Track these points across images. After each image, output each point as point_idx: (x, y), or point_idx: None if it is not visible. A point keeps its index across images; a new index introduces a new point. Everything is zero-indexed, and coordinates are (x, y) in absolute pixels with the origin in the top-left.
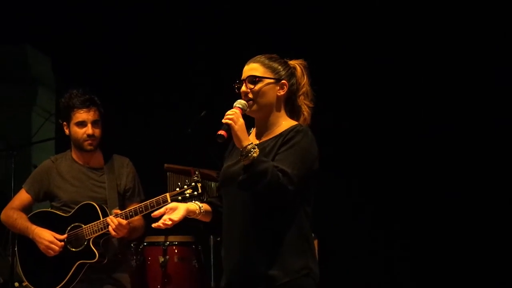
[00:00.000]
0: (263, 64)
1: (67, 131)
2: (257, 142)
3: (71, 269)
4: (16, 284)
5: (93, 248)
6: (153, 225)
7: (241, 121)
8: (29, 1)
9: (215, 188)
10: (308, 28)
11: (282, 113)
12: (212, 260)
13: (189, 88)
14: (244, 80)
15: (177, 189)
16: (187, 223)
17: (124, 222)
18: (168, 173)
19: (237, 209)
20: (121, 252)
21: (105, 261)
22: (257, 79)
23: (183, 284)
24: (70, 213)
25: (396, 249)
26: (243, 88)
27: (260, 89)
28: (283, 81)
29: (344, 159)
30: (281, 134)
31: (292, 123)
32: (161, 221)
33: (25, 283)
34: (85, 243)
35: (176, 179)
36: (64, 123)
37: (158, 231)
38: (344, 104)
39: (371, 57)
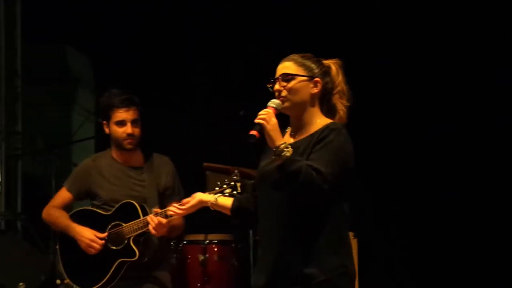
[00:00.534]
0: (296, 62)
1: (107, 130)
2: (292, 141)
3: (112, 267)
4: (58, 281)
5: (134, 246)
6: (168, 212)
7: (273, 120)
8: (68, 1)
9: None
10: (308, 27)
11: (317, 111)
12: (251, 258)
13: (230, 87)
14: (277, 78)
15: (217, 188)
16: (227, 222)
17: (164, 220)
18: (207, 172)
19: (272, 208)
20: (161, 250)
21: (145, 259)
22: (289, 76)
23: (223, 283)
24: (111, 212)
25: (396, 249)
26: (276, 86)
27: (293, 86)
28: (316, 78)
29: None
30: (315, 133)
31: (327, 121)
32: (172, 208)
33: (67, 280)
34: (126, 241)
35: (215, 178)
36: (104, 122)
37: (198, 230)
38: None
39: (372, 57)
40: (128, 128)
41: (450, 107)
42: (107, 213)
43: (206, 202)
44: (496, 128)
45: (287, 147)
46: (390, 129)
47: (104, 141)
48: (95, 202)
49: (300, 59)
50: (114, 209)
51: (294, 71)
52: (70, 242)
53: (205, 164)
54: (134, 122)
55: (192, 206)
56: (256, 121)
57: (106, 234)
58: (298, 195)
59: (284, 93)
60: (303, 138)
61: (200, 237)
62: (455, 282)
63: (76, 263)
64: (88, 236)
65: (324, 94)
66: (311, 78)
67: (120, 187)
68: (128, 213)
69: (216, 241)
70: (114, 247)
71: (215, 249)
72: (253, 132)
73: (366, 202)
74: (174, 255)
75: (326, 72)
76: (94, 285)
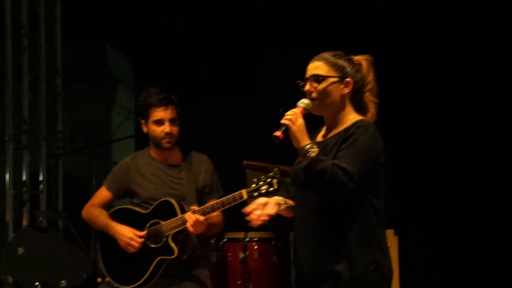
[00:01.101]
0: (327, 62)
1: (145, 129)
2: (322, 139)
3: (151, 265)
4: (99, 279)
5: (172, 244)
6: (252, 224)
7: (299, 121)
8: (108, 0)
9: None
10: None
11: (348, 109)
12: (292, 256)
13: (268, 86)
14: (308, 78)
15: (253, 185)
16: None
17: (202, 218)
18: (247, 170)
19: (304, 207)
20: (200, 248)
21: (184, 257)
22: (320, 78)
23: (263, 280)
24: (149, 210)
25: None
26: (307, 86)
27: (324, 88)
28: (347, 79)
29: None
30: (343, 130)
31: (357, 118)
32: (259, 218)
33: (108, 278)
34: (164, 239)
35: (255, 175)
36: (142, 121)
37: (238, 227)
38: None
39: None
40: (166, 127)
41: (450, 107)
42: (146, 211)
43: (280, 205)
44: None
45: (312, 147)
46: (427, 127)
47: (144, 140)
48: (134, 201)
49: (331, 59)
50: (152, 207)
51: (325, 72)
52: (109, 241)
53: (244, 162)
54: (172, 121)
55: (275, 212)
56: (282, 122)
57: (145, 232)
58: (325, 194)
59: (314, 94)
60: (332, 136)
61: (240, 234)
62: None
63: (116, 261)
64: (127, 235)
65: (355, 92)
66: (342, 78)
67: (158, 186)
68: (166, 211)
69: (256, 239)
70: (153, 245)
71: (255, 247)
72: (277, 133)
73: (409, 199)
74: (214, 253)
75: (357, 70)
76: (134, 283)
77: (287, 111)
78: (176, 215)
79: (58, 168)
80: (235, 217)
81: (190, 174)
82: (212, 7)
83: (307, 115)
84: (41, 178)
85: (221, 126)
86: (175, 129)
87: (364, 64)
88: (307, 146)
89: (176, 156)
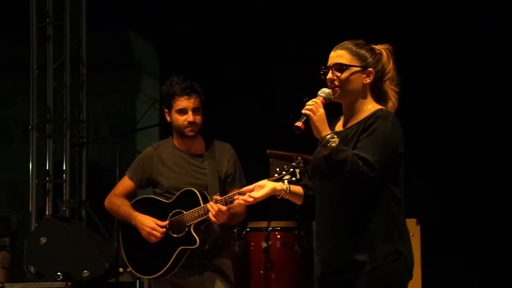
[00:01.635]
0: (350, 51)
1: (168, 118)
2: (342, 129)
3: (173, 255)
4: (121, 269)
5: (194, 234)
6: (235, 201)
7: (320, 111)
8: None
9: None
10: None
11: (369, 99)
12: (314, 245)
13: (294, 74)
14: (331, 66)
15: (276, 175)
16: (289, 209)
17: (224, 208)
18: (270, 159)
19: (325, 198)
20: (223, 238)
21: (206, 247)
22: (344, 67)
23: (286, 270)
24: (172, 200)
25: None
26: (330, 75)
27: (346, 77)
28: (369, 69)
29: None
30: (363, 120)
31: (376, 107)
32: (242, 197)
33: (129, 268)
34: (186, 229)
35: (278, 165)
36: (166, 110)
37: (261, 217)
38: None
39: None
40: (190, 116)
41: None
42: (168, 201)
43: (280, 190)
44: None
45: (333, 138)
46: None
47: (168, 129)
48: (157, 190)
49: (354, 48)
50: (175, 197)
51: (347, 61)
52: (131, 230)
53: (268, 151)
54: (195, 110)
55: (265, 194)
56: (303, 112)
57: (167, 222)
58: (345, 184)
59: (336, 82)
60: (352, 125)
61: (263, 224)
62: None
63: (138, 251)
64: (149, 224)
65: (375, 81)
66: (364, 68)
67: (181, 175)
68: (188, 200)
69: (279, 228)
70: (175, 235)
71: (278, 236)
72: (298, 124)
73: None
74: (237, 243)
75: (378, 59)
76: (155, 273)
77: (311, 99)
78: (199, 205)
79: (81, 157)
80: (258, 206)
81: (213, 163)
82: None
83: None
84: (64, 167)
85: (245, 114)
86: (198, 118)
87: (384, 53)
88: (328, 136)
89: (199, 145)
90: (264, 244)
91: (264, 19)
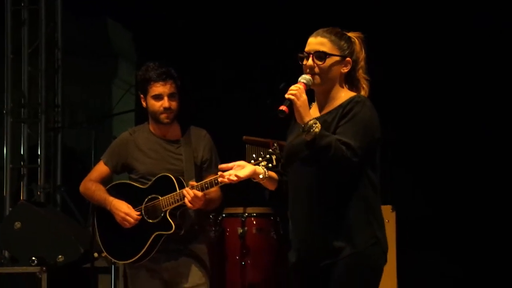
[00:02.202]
0: (331, 40)
1: (144, 104)
2: (318, 115)
3: (148, 241)
4: (96, 254)
5: (170, 219)
6: (219, 179)
7: (304, 97)
8: None
9: None
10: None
11: (343, 86)
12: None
13: (269, 60)
14: (311, 54)
15: (252, 161)
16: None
17: (199, 194)
18: (246, 145)
19: (302, 184)
20: (198, 223)
21: (182, 232)
22: (326, 56)
23: (262, 256)
24: (147, 185)
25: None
26: (310, 62)
27: (327, 65)
28: (347, 58)
29: None
30: (340, 106)
31: (350, 94)
32: (227, 175)
33: (104, 253)
34: (162, 214)
35: (254, 151)
36: (142, 95)
37: (237, 203)
38: None
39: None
40: (165, 102)
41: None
42: (144, 187)
43: (258, 174)
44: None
45: (315, 123)
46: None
47: (144, 114)
48: (132, 176)
49: (333, 37)
50: (150, 182)
51: (329, 50)
52: (106, 216)
53: (244, 137)
54: (171, 96)
55: (249, 174)
56: (287, 96)
57: (142, 207)
58: (328, 169)
59: (316, 70)
60: (329, 112)
61: (239, 210)
62: (498, 259)
63: (113, 236)
64: (124, 210)
65: (350, 70)
66: (343, 58)
67: (157, 161)
68: (164, 186)
69: (255, 214)
70: (150, 220)
71: (254, 222)
72: (283, 108)
73: (406, 175)
74: (213, 228)
75: (354, 49)
76: (131, 258)
77: (288, 86)
78: (175, 190)
79: (57, 142)
80: (234, 192)
81: (189, 149)
82: None
83: None
84: (39, 152)
85: (221, 101)
86: (174, 104)
87: (357, 42)
88: (311, 122)
89: (175, 131)
90: (240, 230)
91: (239, 9)
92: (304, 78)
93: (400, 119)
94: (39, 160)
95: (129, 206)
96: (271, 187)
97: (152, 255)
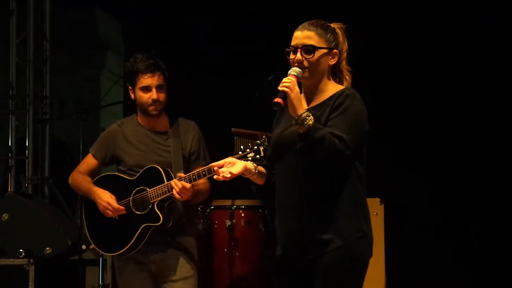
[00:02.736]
0: (317, 33)
1: (132, 95)
2: (306, 107)
3: (136, 232)
4: (83, 246)
5: (158, 211)
6: (215, 177)
7: (297, 89)
8: None
9: None
10: None
11: (329, 79)
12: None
13: (257, 52)
14: (299, 48)
15: (240, 152)
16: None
17: (188, 185)
18: (235, 137)
19: (290, 176)
20: (186, 215)
21: (170, 224)
22: (314, 49)
23: (250, 248)
24: (135, 177)
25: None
26: (298, 56)
27: (316, 59)
28: (334, 50)
29: None
30: (330, 99)
31: (339, 87)
32: (221, 173)
33: (92, 245)
34: (150, 206)
35: (243, 143)
36: (130, 87)
37: (225, 195)
38: None
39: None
40: (153, 94)
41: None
42: (132, 178)
43: (249, 170)
44: None
45: (309, 115)
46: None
47: (132, 106)
48: (121, 168)
49: (320, 30)
50: (138, 174)
51: (316, 43)
52: (94, 207)
53: (233, 129)
54: (159, 88)
55: (241, 171)
56: (281, 88)
57: (130, 199)
58: (320, 162)
59: (305, 63)
60: (318, 105)
61: (227, 202)
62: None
63: (101, 228)
64: (106, 199)
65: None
66: (330, 50)
67: (145, 153)
68: (152, 178)
69: (243, 207)
70: (138, 212)
71: (242, 215)
72: (278, 100)
73: (395, 167)
74: (201, 221)
75: (338, 40)
76: (119, 250)
77: (276, 78)
78: (163, 182)
79: (45, 134)
80: (222, 184)
81: (177, 141)
82: None
83: None
84: (27, 143)
85: (210, 92)
86: (162, 96)
87: (340, 33)
88: (304, 114)
89: (163, 123)
90: (228, 223)
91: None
92: (294, 70)
93: (399, 117)
94: (27, 151)
95: (112, 196)
96: (260, 181)
97: (140, 248)
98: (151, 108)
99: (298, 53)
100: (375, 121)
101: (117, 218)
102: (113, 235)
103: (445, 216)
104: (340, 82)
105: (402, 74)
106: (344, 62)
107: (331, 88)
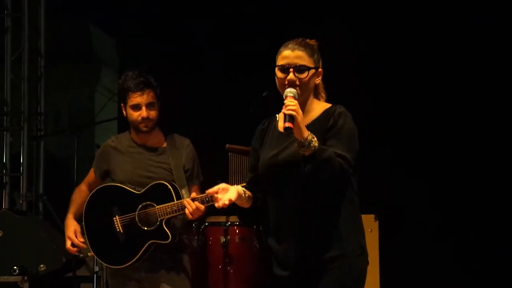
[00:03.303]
0: (307, 53)
1: (124, 113)
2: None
3: (142, 248)
4: (81, 255)
5: (166, 229)
6: (216, 205)
7: (300, 111)
8: None
9: None
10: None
11: (313, 97)
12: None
13: (252, 68)
14: (291, 67)
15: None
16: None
17: (202, 207)
18: (229, 154)
19: (288, 196)
20: (184, 232)
21: (176, 240)
22: (309, 70)
23: (245, 264)
24: (142, 191)
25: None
26: (291, 76)
27: (306, 78)
28: (320, 69)
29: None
30: (319, 118)
31: (324, 105)
32: (222, 201)
33: (91, 253)
34: (158, 223)
35: (237, 159)
36: (122, 104)
37: (219, 212)
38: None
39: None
40: (143, 112)
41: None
42: (139, 192)
43: (241, 194)
44: None
45: (313, 137)
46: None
47: (126, 122)
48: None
49: (308, 50)
50: (144, 189)
51: (307, 63)
52: (96, 218)
53: (227, 145)
54: (149, 105)
55: (235, 198)
56: (288, 112)
57: (135, 214)
58: (326, 182)
59: (297, 83)
60: (309, 124)
61: (222, 219)
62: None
63: (103, 239)
64: (68, 233)
65: None
66: (317, 69)
67: (136, 169)
68: (160, 194)
69: (237, 223)
70: (146, 228)
71: (237, 231)
72: (289, 125)
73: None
74: (196, 237)
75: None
76: (122, 264)
77: (269, 94)
78: (171, 199)
79: (39, 150)
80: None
81: (176, 157)
82: None
83: None
84: (22, 160)
85: (204, 109)
86: (152, 113)
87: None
88: (310, 137)
89: (156, 138)
90: (223, 239)
91: (226, 16)
92: (291, 91)
93: (398, 118)
94: (21, 168)
95: (77, 229)
96: (246, 205)
97: (136, 264)
98: (141, 125)
99: (291, 73)
100: (375, 121)
101: (121, 231)
102: (116, 248)
103: (444, 217)
104: (317, 98)
105: (401, 75)
106: (319, 78)
107: (316, 107)
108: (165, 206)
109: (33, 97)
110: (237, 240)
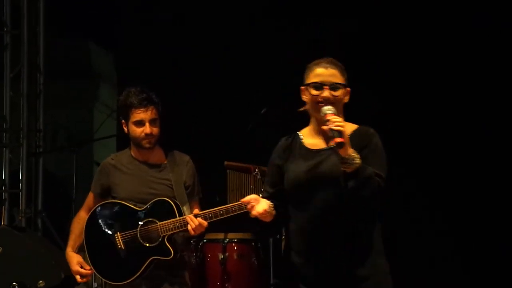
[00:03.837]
0: (339, 72)
1: (126, 129)
2: (324, 146)
3: (144, 264)
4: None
5: (168, 245)
6: (253, 213)
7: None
8: None
9: None
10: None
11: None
12: (271, 257)
13: (250, 85)
14: (327, 85)
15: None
16: (246, 220)
17: (205, 223)
18: (228, 171)
19: (319, 211)
20: (183, 249)
21: (178, 257)
22: (344, 87)
23: (243, 281)
24: (143, 208)
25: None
26: (326, 93)
27: (340, 96)
28: (348, 88)
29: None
30: (352, 137)
31: (351, 125)
32: (256, 211)
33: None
34: (160, 239)
35: (236, 176)
36: (123, 121)
37: (218, 229)
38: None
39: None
40: (147, 128)
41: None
42: (140, 209)
43: (268, 208)
44: None
45: (357, 155)
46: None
47: (125, 139)
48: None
49: (340, 69)
50: (147, 205)
51: (341, 81)
52: (96, 235)
53: (226, 162)
54: (152, 122)
55: (266, 210)
56: (336, 128)
57: (137, 230)
58: (365, 198)
59: (332, 100)
60: None
61: (220, 235)
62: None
63: (103, 255)
64: (73, 267)
65: None
66: (346, 87)
67: (138, 185)
68: (162, 211)
69: (235, 240)
70: (148, 244)
71: (235, 248)
72: (341, 139)
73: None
74: (194, 254)
75: None
76: (123, 280)
77: (269, 111)
78: (173, 216)
79: (38, 167)
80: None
81: (178, 174)
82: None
83: None
84: (21, 177)
85: (203, 126)
86: (155, 130)
87: None
88: (354, 154)
89: (157, 155)
90: (221, 256)
91: (225, 33)
92: (330, 109)
93: (397, 118)
94: (20, 184)
95: (80, 260)
96: (268, 219)
97: (136, 281)
98: (144, 141)
99: (326, 91)
100: (375, 121)
101: (123, 248)
102: (117, 264)
103: (444, 217)
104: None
105: (401, 75)
106: None
107: (345, 125)
108: (167, 223)
109: (32, 113)
110: (235, 257)
